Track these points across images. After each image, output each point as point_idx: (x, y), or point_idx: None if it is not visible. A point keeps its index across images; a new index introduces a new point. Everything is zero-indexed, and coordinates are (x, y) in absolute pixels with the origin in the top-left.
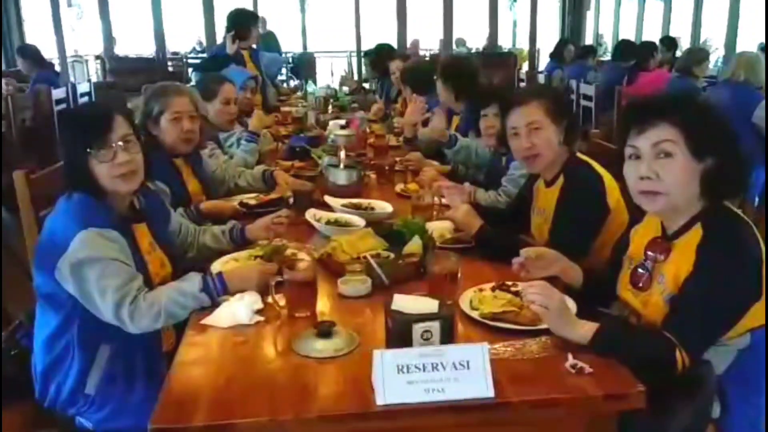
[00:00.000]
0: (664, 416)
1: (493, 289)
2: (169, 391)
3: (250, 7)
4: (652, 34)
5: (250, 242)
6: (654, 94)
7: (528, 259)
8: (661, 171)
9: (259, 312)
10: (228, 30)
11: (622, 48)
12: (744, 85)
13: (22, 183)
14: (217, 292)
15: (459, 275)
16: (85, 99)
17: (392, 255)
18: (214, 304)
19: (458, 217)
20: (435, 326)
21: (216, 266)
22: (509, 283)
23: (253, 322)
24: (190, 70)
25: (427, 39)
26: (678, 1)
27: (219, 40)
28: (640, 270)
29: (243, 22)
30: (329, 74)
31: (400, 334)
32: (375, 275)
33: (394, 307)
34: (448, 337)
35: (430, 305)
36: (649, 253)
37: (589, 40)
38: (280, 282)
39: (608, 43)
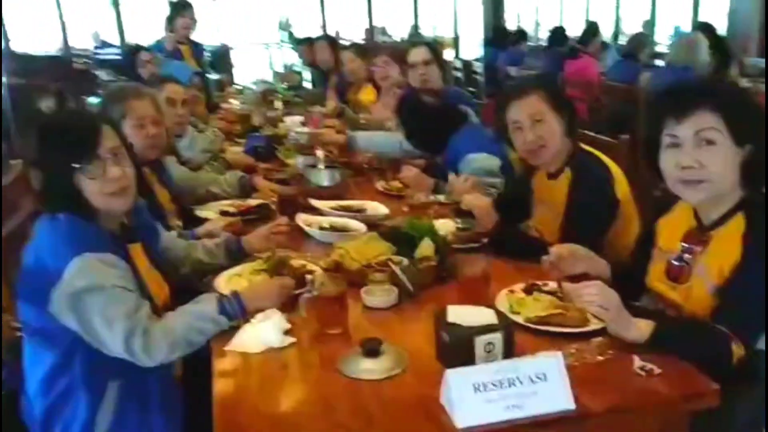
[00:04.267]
0: (725, 410)
1: (526, 291)
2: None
3: None
4: (573, 19)
5: (246, 255)
6: (689, 80)
7: (559, 258)
8: (704, 159)
9: (287, 332)
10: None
11: (558, 34)
12: (683, 69)
13: None
14: (236, 313)
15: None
16: None
17: (404, 260)
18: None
19: (481, 208)
20: (497, 338)
21: (221, 284)
22: (540, 282)
23: (285, 345)
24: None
25: (348, 28)
26: None
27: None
28: (676, 262)
29: (170, 12)
30: (247, 67)
31: (460, 348)
32: (399, 283)
33: (451, 319)
34: (509, 348)
35: (486, 315)
36: (686, 245)
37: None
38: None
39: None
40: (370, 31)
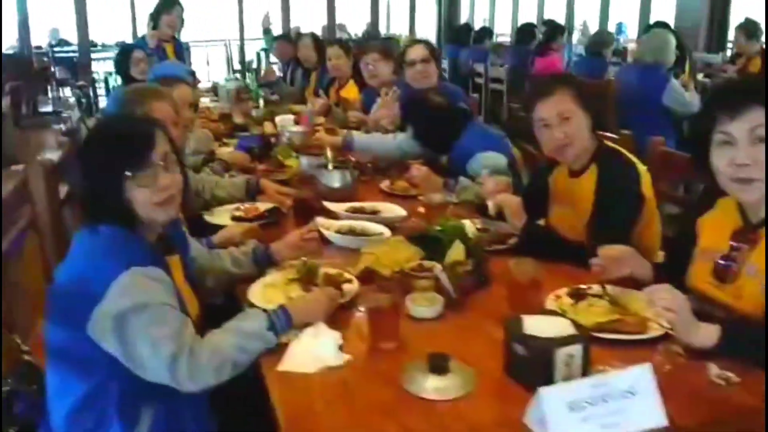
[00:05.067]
0: None
1: (572, 296)
2: None
3: None
4: (528, 17)
5: (274, 263)
6: (740, 77)
7: (609, 259)
8: (759, 156)
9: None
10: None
11: (525, 32)
12: (652, 66)
13: None
14: (283, 329)
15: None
16: None
17: (437, 265)
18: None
19: (512, 208)
20: (578, 350)
21: (256, 296)
22: (584, 286)
23: (342, 362)
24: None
25: (308, 25)
26: None
27: (95, 31)
28: (723, 262)
29: (155, 8)
30: (205, 64)
31: (539, 362)
32: (443, 291)
33: (528, 331)
34: (587, 361)
35: (561, 325)
36: (735, 244)
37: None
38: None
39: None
40: (330, 27)
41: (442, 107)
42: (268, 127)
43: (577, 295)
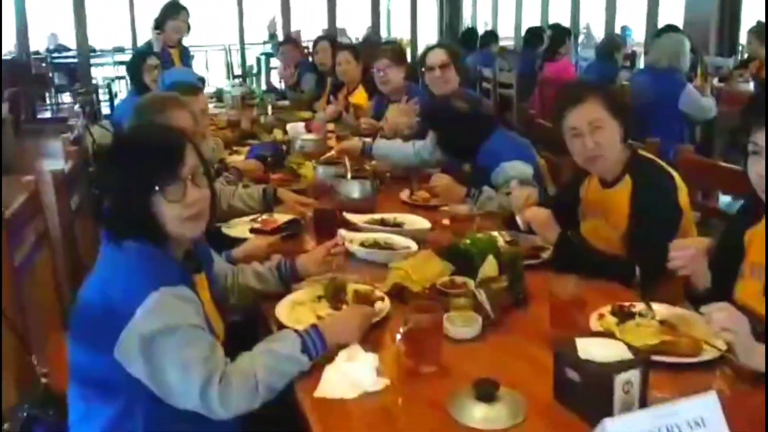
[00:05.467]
0: None
1: (616, 314)
2: None
3: None
4: (531, 21)
5: (299, 279)
6: None
7: (686, 254)
8: None
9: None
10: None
11: (533, 36)
12: (667, 71)
13: None
14: (317, 351)
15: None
16: None
17: (470, 281)
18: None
19: (539, 220)
20: (636, 376)
21: (283, 315)
22: (626, 304)
23: (381, 387)
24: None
25: (309, 29)
26: None
27: (94, 36)
28: None
29: (160, 13)
30: (205, 69)
31: (596, 390)
32: (481, 309)
33: (582, 355)
34: (645, 387)
35: (616, 348)
36: None
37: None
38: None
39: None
40: (331, 31)
41: (466, 113)
42: (278, 135)
43: (622, 314)
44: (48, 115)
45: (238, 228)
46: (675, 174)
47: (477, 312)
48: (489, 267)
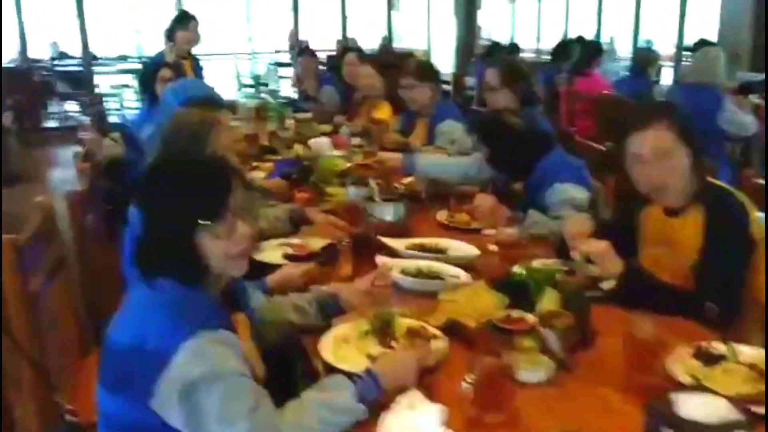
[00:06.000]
0: None
1: (698, 357)
2: None
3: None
4: (551, 34)
5: (343, 312)
6: None
7: None
8: None
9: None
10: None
11: (561, 50)
12: (705, 86)
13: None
14: (374, 398)
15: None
16: None
17: (529, 316)
18: None
19: (599, 252)
20: None
21: (327, 354)
22: (704, 344)
23: None
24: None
25: (317, 39)
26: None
27: (97, 44)
28: None
29: (171, 24)
30: (212, 79)
31: None
32: (547, 350)
33: (682, 413)
34: None
35: (717, 404)
36: None
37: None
38: None
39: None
40: (343, 42)
41: (522, 129)
42: (299, 150)
43: (706, 357)
44: (53, 123)
45: (269, 253)
46: (748, 203)
47: (544, 353)
48: (548, 301)
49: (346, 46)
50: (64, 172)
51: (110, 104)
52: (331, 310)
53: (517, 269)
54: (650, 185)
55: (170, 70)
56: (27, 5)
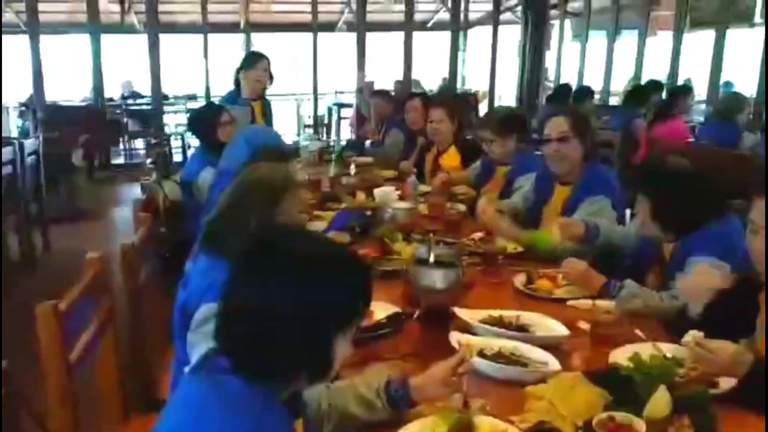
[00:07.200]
0: None
1: None
2: None
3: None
4: (621, 75)
5: (415, 404)
6: None
7: None
8: None
9: None
10: None
11: (637, 93)
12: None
13: (48, 319)
14: None
15: None
16: (32, 159)
17: (636, 420)
18: None
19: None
20: None
21: None
22: None
23: None
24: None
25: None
26: (651, 43)
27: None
28: None
29: (241, 63)
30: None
31: None
32: None
33: None
34: None
35: None
36: None
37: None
38: None
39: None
40: (405, 82)
41: (694, 177)
42: (362, 199)
43: None
44: (122, 160)
45: None
46: None
47: None
48: (660, 403)
49: (413, 92)
50: (126, 211)
51: (176, 142)
52: (401, 402)
53: (620, 359)
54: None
55: (228, 114)
56: (105, 45)
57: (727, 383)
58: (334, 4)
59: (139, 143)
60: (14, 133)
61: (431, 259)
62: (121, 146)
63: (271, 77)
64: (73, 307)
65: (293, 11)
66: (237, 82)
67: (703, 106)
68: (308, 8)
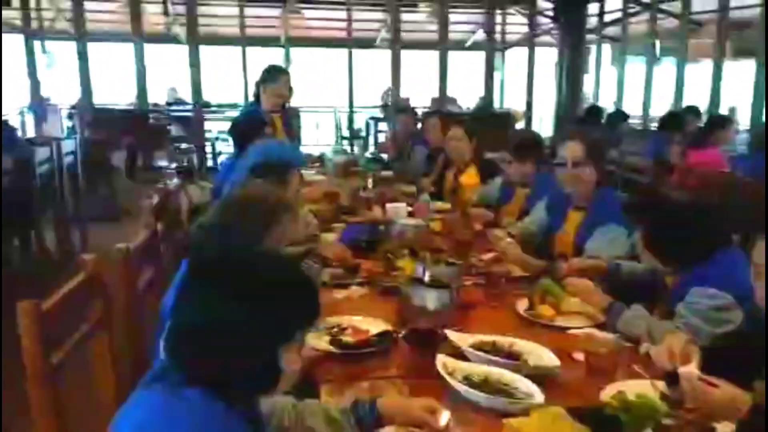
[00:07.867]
0: None
1: None
2: None
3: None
4: (661, 100)
5: (381, 425)
6: None
7: None
8: None
9: None
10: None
11: (674, 119)
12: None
13: (29, 318)
14: None
15: None
16: (70, 159)
17: None
18: None
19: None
20: None
21: None
22: None
23: None
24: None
25: (419, 97)
26: (692, 68)
27: (210, 92)
28: None
29: (262, 76)
30: (315, 129)
31: None
32: None
33: None
34: None
35: None
36: None
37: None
38: None
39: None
40: (440, 100)
41: (694, 209)
42: (376, 212)
43: None
44: (164, 163)
45: (315, 338)
46: None
47: None
48: None
49: (430, 110)
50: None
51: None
52: (369, 423)
53: (607, 396)
54: None
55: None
56: (152, 53)
57: (724, 428)
58: (372, 22)
59: (183, 147)
60: (63, 135)
61: (426, 278)
62: (166, 150)
63: (291, 90)
64: (61, 308)
65: (330, 27)
66: (257, 95)
67: (745, 136)
68: (344, 25)
